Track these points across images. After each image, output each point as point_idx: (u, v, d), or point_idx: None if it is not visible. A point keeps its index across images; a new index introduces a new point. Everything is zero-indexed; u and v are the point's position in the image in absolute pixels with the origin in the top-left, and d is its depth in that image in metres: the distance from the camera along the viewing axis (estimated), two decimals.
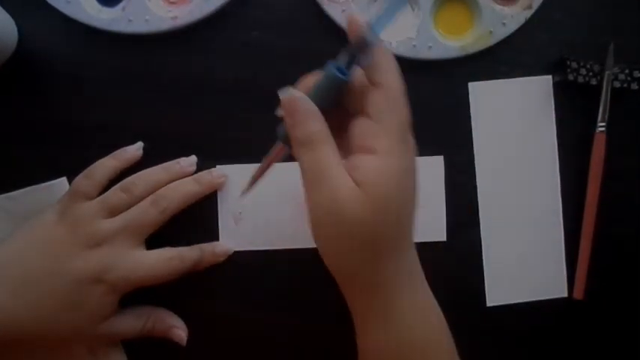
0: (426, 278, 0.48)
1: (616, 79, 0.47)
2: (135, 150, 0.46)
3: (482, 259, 0.48)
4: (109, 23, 0.46)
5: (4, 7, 0.45)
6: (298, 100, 0.33)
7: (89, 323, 0.42)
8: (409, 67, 0.47)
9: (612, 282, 0.49)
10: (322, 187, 0.32)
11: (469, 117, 0.48)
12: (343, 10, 0.46)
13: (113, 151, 0.47)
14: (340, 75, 0.33)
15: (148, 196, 0.44)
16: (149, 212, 0.43)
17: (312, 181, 0.33)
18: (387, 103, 0.33)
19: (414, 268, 0.36)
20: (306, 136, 0.33)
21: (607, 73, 0.47)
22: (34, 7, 0.46)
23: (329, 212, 0.32)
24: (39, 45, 0.47)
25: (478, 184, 0.48)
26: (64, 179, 0.46)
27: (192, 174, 0.46)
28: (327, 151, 0.33)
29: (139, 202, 0.44)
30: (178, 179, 0.45)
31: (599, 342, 0.49)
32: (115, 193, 0.44)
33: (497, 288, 0.48)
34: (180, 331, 0.45)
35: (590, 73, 0.47)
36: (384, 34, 0.46)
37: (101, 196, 0.44)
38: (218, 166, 0.47)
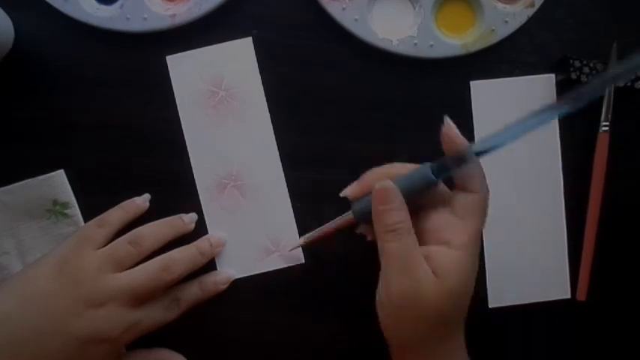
0: None
1: None
2: (142, 202, 0.46)
3: (483, 260, 0.48)
4: (106, 21, 0.45)
5: (0, 5, 0.45)
6: (390, 191, 0.37)
7: None
8: (410, 65, 0.47)
9: (615, 283, 0.48)
10: (405, 274, 0.36)
11: (471, 116, 0.48)
12: (343, 8, 0.45)
13: (111, 149, 0.47)
14: (433, 177, 0.37)
15: (153, 249, 0.43)
16: (158, 279, 0.42)
17: (395, 266, 0.36)
18: (475, 208, 0.37)
19: (463, 342, 0.40)
20: (394, 224, 0.36)
21: (610, 72, 0.46)
22: (32, 5, 0.46)
23: (407, 297, 0.36)
24: (36, 43, 0.47)
25: None
26: (61, 172, 0.46)
27: (192, 230, 0.46)
28: (411, 240, 0.36)
29: (145, 255, 0.43)
30: (181, 234, 0.45)
31: (602, 344, 0.49)
32: (123, 246, 0.42)
33: (499, 289, 0.48)
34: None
35: (594, 72, 0.46)
36: (383, 31, 0.46)
37: (107, 248, 0.42)
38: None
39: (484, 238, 0.48)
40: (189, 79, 0.46)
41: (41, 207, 0.46)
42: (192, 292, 0.45)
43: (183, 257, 0.44)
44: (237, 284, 0.47)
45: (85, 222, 0.46)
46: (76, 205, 0.46)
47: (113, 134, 0.47)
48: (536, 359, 0.49)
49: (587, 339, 0.49)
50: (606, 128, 0.46)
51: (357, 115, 0.47)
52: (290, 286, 0.47)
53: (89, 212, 0.46)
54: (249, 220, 0.47)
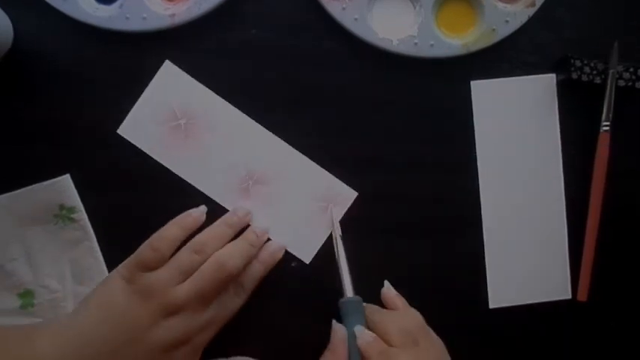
0: (428, 280, 0.48)
1: (620, 77, 0.46)
2: (199, 214, 0.46)
3: (484, 261, 0.47)
4: (105, 21, 0.45)
5: None
6: None
7: None
8: (411, 65, 0.47)
9: (616, 284, 0.48)
10: None
11: (471, 116, 0.47)
12: (343, 8, 0.45)
13: (110, 150, 0.46)
14: None
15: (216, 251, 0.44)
16: (217, 277, 0.42)
17: None
18: None
19: None
20: None
21: (611, 71, 0.46)
22: (31, 5, 0.45)
23: None
24: (35, 43, 0.46)
25: (480, 184, 0.47)
26: (67, 176, 0.46)
27: (249, 223, 0.47)
28: None
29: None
30: (239, 229, 0.46)
31: (603, 345, 0.48)
32: (189, 256, 0.43)
33: (500, 290, 0.47)
34: None
35: (595, 72, 0.46)
36: (384, 31, 0.46)
37: (172, 260, 0.43)
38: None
39: (485, 239, 0.47)
40: (149, 132, 0.46)
41: (48, 212, 0.46)
42: (254, 270, 0.46)
43: (233, 252, 0.44)
44: None
45: (92, 226, 0.46)
46: (83, 209, 0.46)
47: (113, 134, 0.46)
48: None
49: (587, 339, 0.48)
50: (607, 128, 0.46)
51: (357, 114, 0.47)
52: (290, 286, 0.47)
53: (95, 215, 0.46)
54: (286, 198, 0.47)
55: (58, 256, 0.46)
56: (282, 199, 0.47)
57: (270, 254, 0.47)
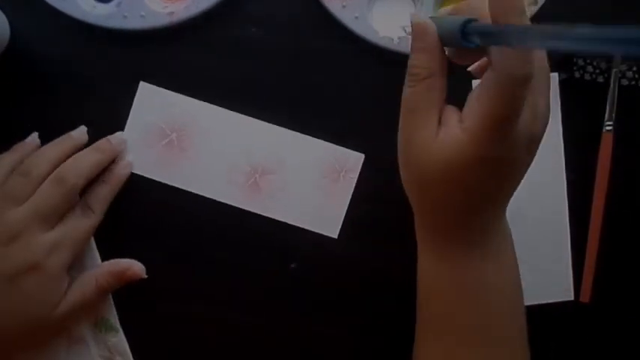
0: None
1: (624, 76, 0.46)
2: (80, 134, 0.44)
3: None
4: (103, 19, 0.45)
5: None
6: (422, 28, 0.32)
7: (47, 312, 0.41)
8: None
9: (620, 285, 0.48)
10: (410, 121, 0.32)
11: None
12: (343, 6, 0.45)
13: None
14: (460, 37, 0.30)
15: (47, 172, 0.42)
16: (56, 192, 0.41)
17: (403, 111, 0.33)
18: (488, 89, 0.30)
19: (507, 230, 0.36)
20: (413, 67, 0.32)
21: (614, 70, 0.45)
22: (28, 4, 0.45)
23: (410, 144, 0.33)
24: (32, 42, 0.46)
25: None
26: None
27: (86, 144, 0.44)
28: (424, 90, 0.32)
29: (42, 182, 0.41)
30: (76, 152, 0.44)
31: (606, 346, 0.48)
32: (15, 180, 0.41)
33: None
34: (135, 268, 0.44)
35: (597, 71, 0.46)
36: (384, 29, 0.46)
37: (1, 187, 0.41)
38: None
39: None
40: (143, 156, 0.46)
41: None
42: (99, 190, 0.44)
43: (77, 164, 0.42)
44: (234, 286, 0.46)
45: None
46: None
47: (111, 133, 0.46)
48: None
49: (590, 341, 0.48)
50: (610, 128, 0.46)
51: (357, 113, 0.47)
52: (287, 287, 0.47)
53: None
54: (297, 180, 0.46)
55: None
56: (293, 182, 0.46)
57: (115, 174, 0.44)
